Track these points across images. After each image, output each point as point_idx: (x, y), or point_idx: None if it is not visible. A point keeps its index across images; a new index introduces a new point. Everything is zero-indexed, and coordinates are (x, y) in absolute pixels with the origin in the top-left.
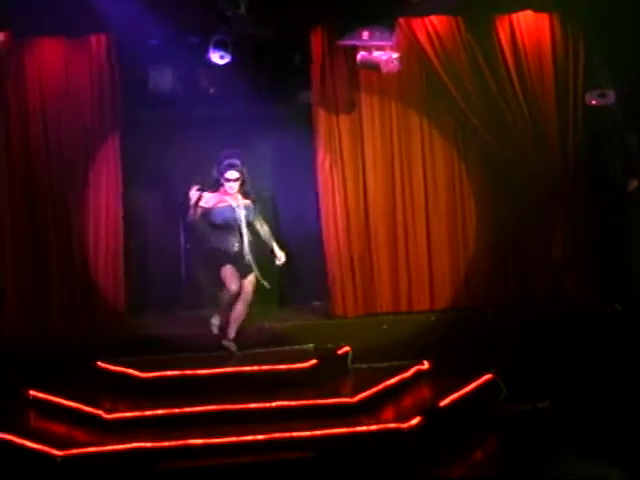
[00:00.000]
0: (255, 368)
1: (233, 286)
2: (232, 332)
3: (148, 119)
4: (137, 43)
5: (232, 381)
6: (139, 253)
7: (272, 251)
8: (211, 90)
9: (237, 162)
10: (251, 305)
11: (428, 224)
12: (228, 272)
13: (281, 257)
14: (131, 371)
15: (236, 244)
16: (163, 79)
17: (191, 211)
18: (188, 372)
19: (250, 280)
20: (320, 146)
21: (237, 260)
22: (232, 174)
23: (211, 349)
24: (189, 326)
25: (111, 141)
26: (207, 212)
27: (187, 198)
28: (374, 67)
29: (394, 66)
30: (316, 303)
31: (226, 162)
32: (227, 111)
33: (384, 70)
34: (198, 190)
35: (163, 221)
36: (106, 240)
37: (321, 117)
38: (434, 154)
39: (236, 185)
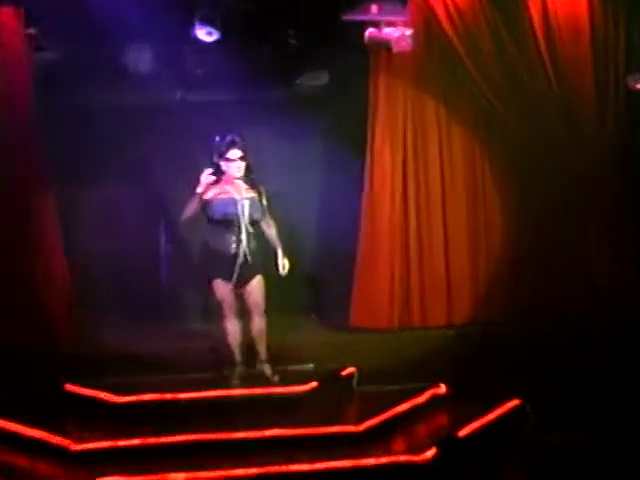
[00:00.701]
0: (246, 391)
1: (225, 298)
2: (262, 352)
3: (124, 104)
4: (112, 20)
5: (220, 406)
6: (112, 256)
7: (275, 258)
8: (198, 72)
9: (239, 139)
10: (266, 313)
11: (445, 226)
12: (218, 282)
13: (284, 266)
14: (103, 395)
15: (233, 245)
16: (141, 59)
17: (193, 203)
18: (168, 396)
19: (256, 285)
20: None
21: (234, 263)
22: (235, 153)
23: (198, 369)
24: (172, 341)
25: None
26: (205, 205)
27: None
28: (384, 46)
29: (407, 44)
30: (313, 316)
31: (227, 139)
32: (217, 96)
33: (395, 49)
34: (212, 174)
35: (142, 219)
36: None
37: (382, 103)
38: (452, 147)
39: (241, 168)
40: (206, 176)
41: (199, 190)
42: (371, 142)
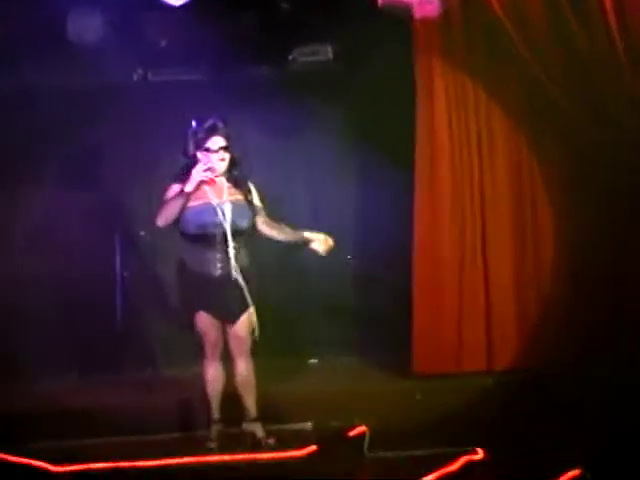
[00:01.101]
0: (226, 458)
1: (208, 335)
2: (250, 407)
3: (68, 85)
4: None
5: (191, 477)
6: (49, 281)
7: (307, 242)
8: (162, 44)
9: (221, 124)
10: (253, 357)
11: (484, 245)
12: (199, 314)
13: (325, 241)
14: (40, 463)
15: (218, 264)
16: (88, 28)
17: (175, 204)
18: (124, 464)
19: (246, 321)
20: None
21: (220, 290)
22: (216, 141)
23: (163, 429)
24: (129, 394)
25: None
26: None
27: (161, 199)
28: (402, 11)
29: (432, 9)
30: (313, 361)
31: (207, 124)
32: (187, 75)
33: (418, 15)
34: (182, 183)
35: (90, 233)
36: None
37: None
38: (493, 141)
39: (224, 160)
40: (200, 172)
41: (188, 188)
42: (422, 141)
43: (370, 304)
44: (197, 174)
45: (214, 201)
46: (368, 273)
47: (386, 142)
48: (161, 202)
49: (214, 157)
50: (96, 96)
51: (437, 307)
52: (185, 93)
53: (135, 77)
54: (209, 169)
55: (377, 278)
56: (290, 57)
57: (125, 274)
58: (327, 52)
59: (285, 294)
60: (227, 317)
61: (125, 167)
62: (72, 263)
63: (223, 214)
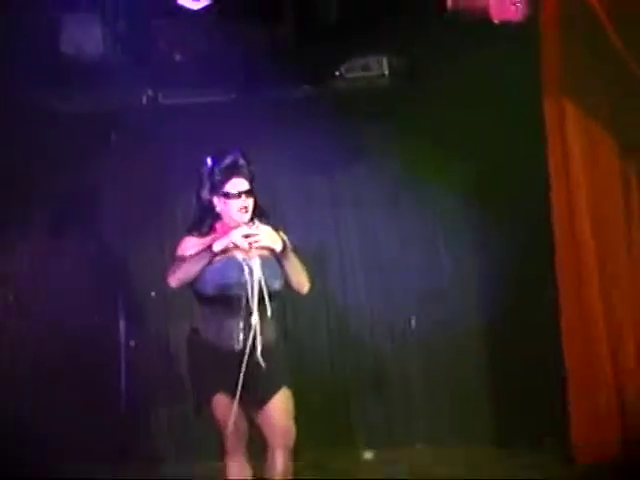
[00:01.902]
0: None
1: (228, 424)
2: None
3: (63, 108)
4: None
5: None
6: (36, 357)
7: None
8: (176, 58)
9: (242, 161)
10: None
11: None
12: (217, 397)
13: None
14: None
15: (239, 336)
16: (86, 39)
17: (196, 263)
18: None
19: (278, 403)
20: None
21: (241, 366)
22: (237, 184)
23: None
24: None
25: None
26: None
27: (175, 257)
28: (477, 13)
29: (516, 11)
30: (368, 455)
31: (225, 162)
32: (207, 97)
33: (497, 18)
34: (198, 235)
35: (88, 299)
36: None
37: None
38: (595, 164)
39: (247, 208)
40: (241, 237)
41: (217, 247)
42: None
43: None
44: (237, 237)
45: (239, 256)
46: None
47: (466, 179)
48: (175, 257)
49: (234, 204)
50: (95, 123)
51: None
52: (204, 119)
53: (144, 100)
54: (251, 236)
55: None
56: (336, 73)
57: (131, 344)
58: (382, 66)
59: (337, 367)
60: (253, 400)
61: (130, 211)
62: (65, 331)
63: (250, 272)
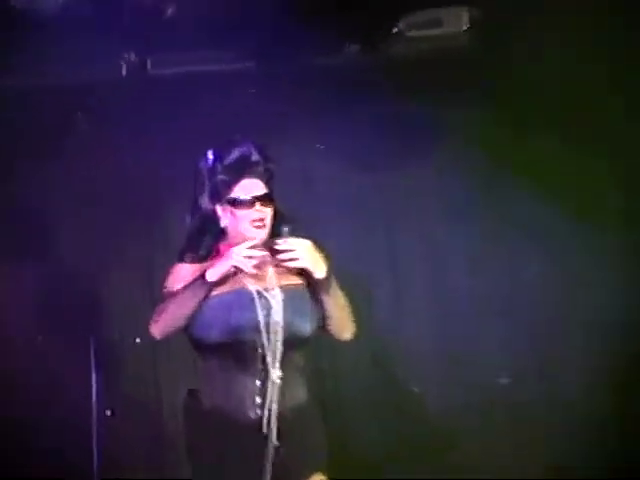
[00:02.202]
0: None
1: None
2: None
3: (20, 84)
4: None
5: None
6: None
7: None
8: (169, 12)
9: (257, 156)
10: None
11: None
12: None
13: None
14: None
15: (257, 399)
16: None
17: (188, 301)
18: None
19: None
20: None
21: (261, 443)
22: (251, 187)
23: None
24: None
25: None
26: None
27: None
28: None
29: None
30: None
31: (233, 155)
32: (212, 65)
33: None
34: (194, 260)
35: (46, 348)
36: None
37: None
38: None
39: (264, 220)
40: (241, 255)
41: (212, 277)
42: None
43: None
44: (236, 257)
45: (253, 287)
46: None
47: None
48: (162, 294)
49: (245, 216)
50: (57, 102)
51: None
52: (206, 96)
53: (124, 69)
54: (256, 257)
55: None
56: (394, 30)
57: (107, 412)
58: (460, 20)
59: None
60: None
61: (105, 225)
62: (20, 392)
63: (269, 310)
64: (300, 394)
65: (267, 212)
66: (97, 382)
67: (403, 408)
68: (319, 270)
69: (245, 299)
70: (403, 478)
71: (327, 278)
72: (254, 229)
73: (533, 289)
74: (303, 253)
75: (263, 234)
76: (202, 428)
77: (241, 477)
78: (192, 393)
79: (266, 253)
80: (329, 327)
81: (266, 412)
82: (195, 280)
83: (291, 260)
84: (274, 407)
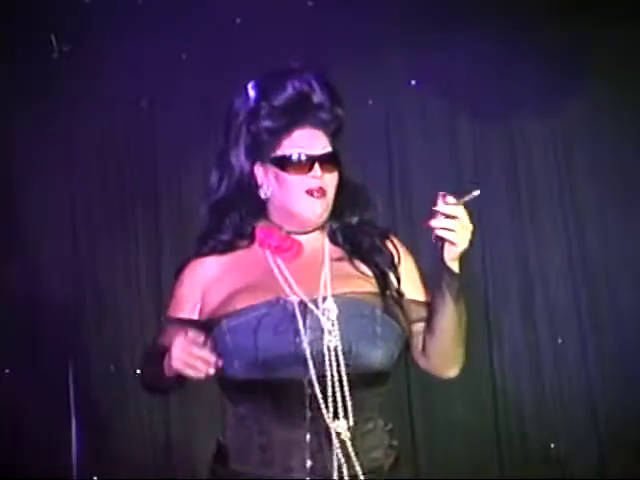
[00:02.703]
0: None
1: None
2: None
3: None
4: None
5: None
6: None
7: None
8: None
9: (321, 95)
10: None
11: None
12: None
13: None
14: None
15: (309, 461)
16: None
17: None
18: None
19: None
20: None
21: None
22: (309, 139)
23: None
24: None
25: None
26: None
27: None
28: None
29: None
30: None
31: (280, 94)
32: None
33: None
34: (216, 250)
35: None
36: None
37: None
38: None
39: (326, 190)
40: (197, 351)
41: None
42: None
43: None
44: (179, 356)
45: (294, 297)
46: None
47: None
48: (165, 320)
49: (298, 182)
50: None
51: None
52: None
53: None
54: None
55: None
56: None
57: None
58: None
59: None
60: None
61: (94, 202)
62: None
63: (319, 331)
64: (376, 453)
65: (328, 180)
66: (78, 435)
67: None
68: (454, 261)
69: (281, 315)
70: None
71: (460, 277)
72: (308, 201)
73: None
74: (464, 230)
75: (322, 209)
76: None
77: None
78: (220, 450)
79: (318, 234)
80: (431, 357)
81: (323, 473)
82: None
83: (443, 230)
84: (339, 472)
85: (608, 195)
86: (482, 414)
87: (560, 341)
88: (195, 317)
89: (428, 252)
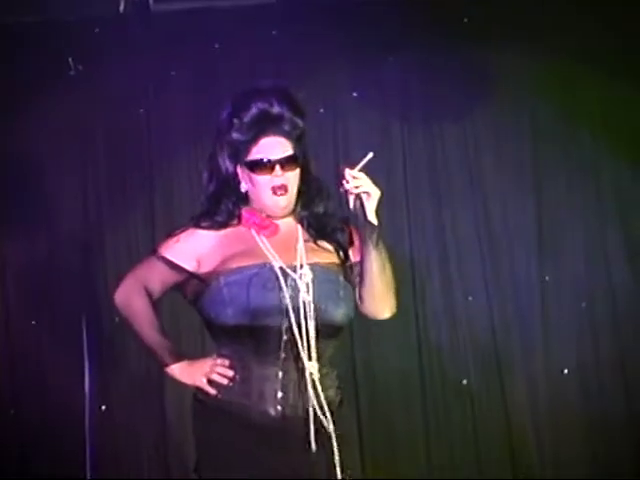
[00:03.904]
0: None
1: None
2: None
3: None
4: None
5: None
6: None
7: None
8: None
9: (279, 108)
10: None
11: None
12: None
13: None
14: None
15: (280, 394)
16: None
17: (124, 291)
18: None
19: None
20: None
21: (286, 446)
22: (272, 146)
23: None
24: None
25: None
26: (198, 293)
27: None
28: None
29: None
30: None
31: (249, 110)
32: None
33: None
34: (211, 227)
35: (32, 333)
36: None
37: None
38: None
39: (288, 187)
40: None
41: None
42: None
43: None
44: (202, 373)
45: (276, 263)
46: None
47: None
48: (156, 253)
49: (263, 182)
50: (41, 45)
51: None
52: (223, 35)
53: (122, 5)
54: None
55: None
56: None
57: (102, 407)
58: None
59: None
60: None
61: (100, 188)
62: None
63: (296, 292)
64: (330, 392)
65: (290, 177)
66: (90, 372)
67: (451, 406)
68: (373, 213)
69: (268, 275)
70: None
71: (379, 227)
72: (272, 197)
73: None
74: (371, 184)
75: (285, 203)
76: (213, 426)
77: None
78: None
79: (290, 219)
80: (366, 300)
81: (289, 410)
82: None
83: (356, 187)
84: (304, 403)
85: (507, 182)
86: (409, 357)
87: (470, 298)
88: (189, 269)
89: None
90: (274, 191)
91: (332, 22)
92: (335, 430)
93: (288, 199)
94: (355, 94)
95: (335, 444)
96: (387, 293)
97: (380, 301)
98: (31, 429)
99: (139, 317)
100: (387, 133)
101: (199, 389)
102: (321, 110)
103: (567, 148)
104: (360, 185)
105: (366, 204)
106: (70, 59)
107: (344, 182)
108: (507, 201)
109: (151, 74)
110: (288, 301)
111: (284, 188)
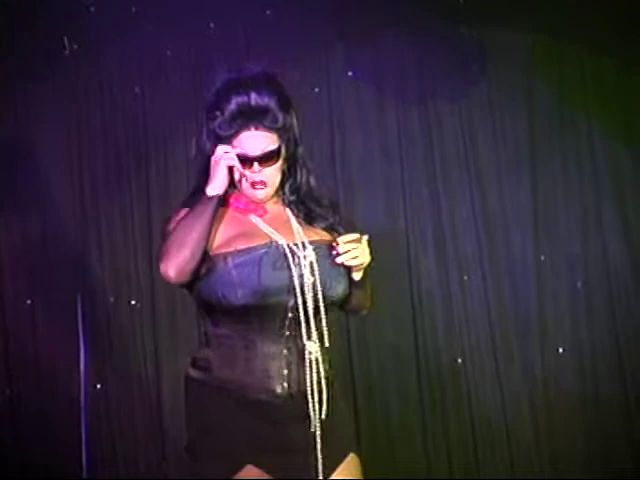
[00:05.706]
0: None
1: None
2: None
3: None
4: None
5: None
6: None
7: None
8: None
9: (260, 100)
10: None
11: None
12: (249, 470)
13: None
14: None
15: (285, 371)
16: None
17: (175, 254)
18: None
19: (345, 472)
20: None
21: (289, 423)
22: (251, 140)
23: None
24: None
25: None
26: (199, 275)
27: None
28: None
29: None
30: None
31: (232, 100)
32: None
33: None
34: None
35: (30, 313)
36: None
37: None
38: None
39: (268, 182)
40: (227, 155)
41: (213, 190)
42: None
43: None
44: (227, 155)
45: (282, 242)
46: None
47: None
48: (166, 234)
49: (242, 175)
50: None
51: None
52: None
53: None
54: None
55: None
56: None
57: (97, 386)
58: None
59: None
60: (304, 475)
61: (96, 168)
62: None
63: (301, 269)
64: (325, 365)
65: (269, 172)
66: (85, 351)
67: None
68: (359, 275)
69: (276, 254)
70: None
71: (364, 279)
72: (252, 190)
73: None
74: (363, 251)
75: (263, 195)
76: (208, 404)
77: (259, 457)
78: (198, 363)
79: (280, 207)
80: (347, 306)
81: (294, 385)
82: (198, 202)
83: (353, 259)
84: (307, 381)
85: (502, 161)
86: (404, 335)
87: (466, 278)
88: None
89: (362, 211)
90: (252, 185)
91: (326, 2)
92: (330, 406)
93: (266, 192)
94: (350, 73)
95: (330, 418)
96: (364, 305)
97: (359, 307)
98: (26, 409)
99: (188, 241)
100: (382, 112)
101: (199, 369)
102: (316, 90)
103: (563, 127)
104: (356, 256)
105: (356, 270)
106: (65, 38)
107: (337, 255)
108: (503, 180)
109: (146, 53)
110: (296, 279)
111: (262, 183)
